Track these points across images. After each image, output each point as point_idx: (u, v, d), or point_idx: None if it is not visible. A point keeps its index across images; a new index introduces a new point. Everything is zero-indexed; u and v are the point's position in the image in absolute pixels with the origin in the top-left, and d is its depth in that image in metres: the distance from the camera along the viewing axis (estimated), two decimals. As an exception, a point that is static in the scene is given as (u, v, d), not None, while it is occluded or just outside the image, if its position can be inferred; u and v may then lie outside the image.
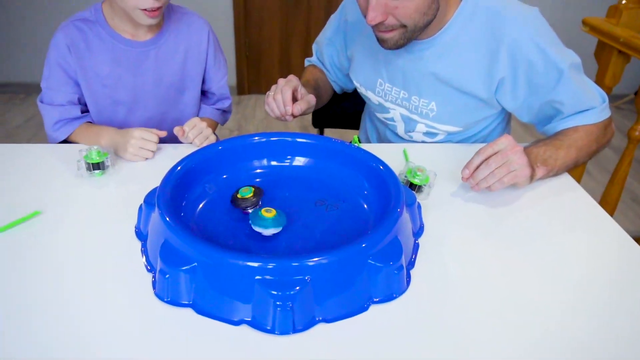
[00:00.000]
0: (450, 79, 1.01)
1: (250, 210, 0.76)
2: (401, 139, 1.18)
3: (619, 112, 3.25)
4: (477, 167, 0.86)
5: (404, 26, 0.91)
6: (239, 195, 0.78)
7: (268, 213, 0.72)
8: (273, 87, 1.03)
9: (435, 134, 1.11)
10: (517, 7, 0.97)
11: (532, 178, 0.90)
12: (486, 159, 0.86)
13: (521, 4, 0.98)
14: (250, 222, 0.72)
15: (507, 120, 1.17)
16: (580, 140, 0.97)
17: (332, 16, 1.22)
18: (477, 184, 0.86)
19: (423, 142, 1.14)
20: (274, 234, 0.72)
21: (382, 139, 1.24)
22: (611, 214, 1.55)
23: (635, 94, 3.18)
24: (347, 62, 1.21)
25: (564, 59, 0.94)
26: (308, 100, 1.05)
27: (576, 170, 1.66)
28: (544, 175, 0.94)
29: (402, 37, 0.93)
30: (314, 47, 1.31)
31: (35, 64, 3.09)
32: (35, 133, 2.71)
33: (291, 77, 1.04)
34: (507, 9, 0.96)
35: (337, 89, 1.34)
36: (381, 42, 0.96)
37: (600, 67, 1.58)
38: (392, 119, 1.15)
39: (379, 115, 1.19)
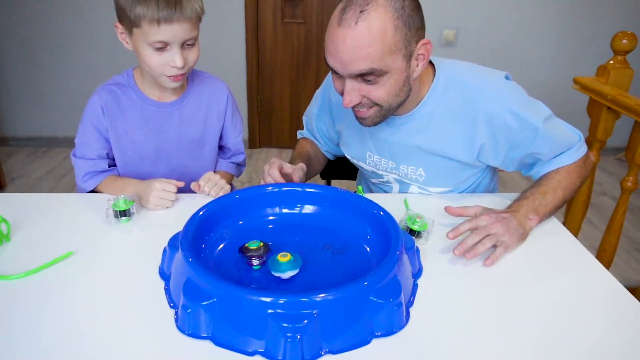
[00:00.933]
0: (433, 149, 1.08)
1: (254, 262, 0.82)
2: None
3: (620, 164, 3.33)
4: (462, 233, 0.93)
5: (380, 105, 0.97)
6: (248, 246, 0.83)
7: (284, 258, 0.79)
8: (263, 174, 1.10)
9: (427, 195, 1.18)
10: (486, 77, 1.04)
11: (524, 237, 0.97)
12: (472, 229, 0.93)
13: (489, 73, 1.06)
14: (269, 267, 0.80)
15: (493, 170, 1.24)
16: (563, 180, 1.06)
17: (317, 92, 1.30)
18: (468, 251, 0.90)
19: None
20: (286, 275, 0.80)
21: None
22: (610, 261, 1.59)
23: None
24: (337, 135, 1.29)
25: (537, 118, 1.02)
26: (300, 168, 1.12)
27: (575, 220, 1.72)
28: (538, 222, 1.01)
29: (379, 115, 1.00)
30: (304, 119, 1.39)
31: (56, 120, 3.26)
32: (55, 185, 2.83)
33: (273, 159, 1.10)
34: (477, 81, 1.03)
35: (331, 157, 1.41)
36: (360, 120, 1.02)
37: (592, 122, 1.67)
38: (387, 182, 1.22)
39: (374, 181, 1.26)
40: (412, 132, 1.09)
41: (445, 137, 1.06)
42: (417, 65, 0.96)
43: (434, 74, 1.05)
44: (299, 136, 1.42)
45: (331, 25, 0.91)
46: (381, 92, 0.94)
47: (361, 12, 0.86)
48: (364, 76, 0.92)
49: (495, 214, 0.95)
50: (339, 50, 0.90)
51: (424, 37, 0.94)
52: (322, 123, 1.31)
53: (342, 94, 0.97)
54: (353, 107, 0.99)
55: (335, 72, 0.96)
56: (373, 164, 1.19)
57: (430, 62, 1.06)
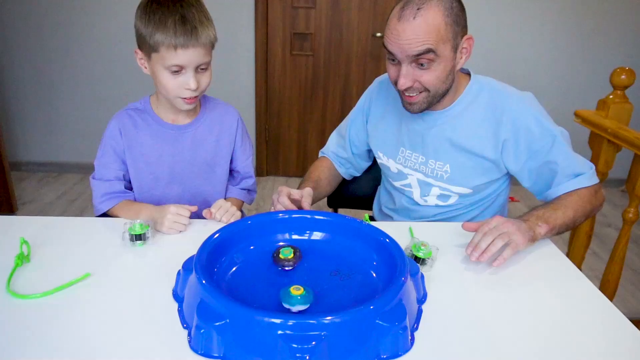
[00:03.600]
0: (463, 143, 1.19)
1: (287, 268, 0.90)
2: (416, 204, 1.32)
3: (625, 196, 3.35)
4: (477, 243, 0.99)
5: (428, 90, 1.12)
6: (281, 256, 0.91)
7: (297, 291, 0.81)
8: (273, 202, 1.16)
9: (448, 197, 1.25)
10: (515, 89, 1.19)
11: (534, 239, 1.03)
12: (484, 235, 0.99)
13: (517, 90, 1.20)
14: (280, 299, 0.81)
15: (509, 188, 1.33)
16: (575, 201, 1.13)
17: (357, 103, 1.44)
18: (481, 254, 0.97)
19: (437, 205, 1.28)
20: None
21: (397, 207, 1.38)
22: (613, 292, 1.61)
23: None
24: (366, 136, 1.40)
25: (555, 128, 1.15)
26: (308, 194, 1.19)
27: (578, 251, 1.74)
28: (547, 232, 1.06)
29: (425, 101, 1.14)
30: (332, 135, 1.49)
31: (67, 146, 3.35)
32: (65, 209, 2.88)
33: (281, 188, 1.17)
34: (507, 89, 1.20)
35: (347, 176, 1.50)
36: (407, 105, 1.17)
37: (593, 154, 1.71)
38: (409, 185, 1.30)
39: (396, 183, 1.34)
40: (445, 126, 1.22)
41: (475, 132, 1.19)
42: (462, 58, 1.13)
43: (469, 81, 1.21)
44: (320, 155, 1.53)
45: (391, 20, 1.08)
46: (431, 76, 1.10)
47: (418, 9, 1.04)
48: (418, 59, 1.07)
49: (506, 218, 1.02)
50: (400, 37, 1.06)
51: (467, 34, 1.11)
52: (354, 127, 1.43)
53: (396, 81, 1.13)
54: (404, 92, 1.13)
55: (391, 61, 1.12)
56: (403, 160, 1.29)
57: (467, 73, 1.23)
